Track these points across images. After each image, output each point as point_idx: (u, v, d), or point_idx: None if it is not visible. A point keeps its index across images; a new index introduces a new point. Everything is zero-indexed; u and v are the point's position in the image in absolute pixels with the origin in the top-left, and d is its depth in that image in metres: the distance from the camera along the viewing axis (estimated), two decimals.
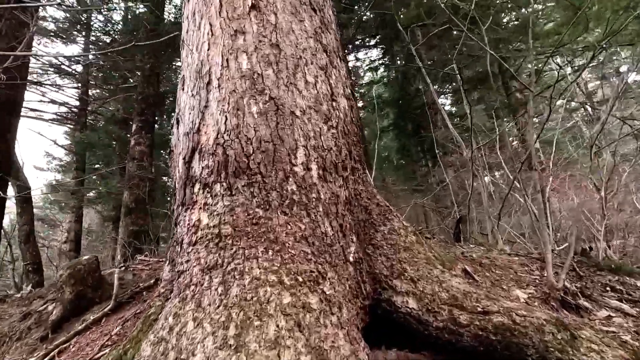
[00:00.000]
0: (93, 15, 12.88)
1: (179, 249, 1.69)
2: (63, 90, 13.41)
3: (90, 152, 12.04)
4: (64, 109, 13.95)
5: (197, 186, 1.73)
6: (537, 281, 2.31)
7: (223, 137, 1.77)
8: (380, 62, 15.51)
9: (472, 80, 12.11)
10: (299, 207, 1.65)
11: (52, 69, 13.15)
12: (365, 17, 11.42)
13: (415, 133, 14.23)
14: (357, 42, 13.40)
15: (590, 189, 5.41)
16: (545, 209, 3.03)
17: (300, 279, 1.42)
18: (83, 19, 12.76)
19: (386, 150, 18.29)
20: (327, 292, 1.47)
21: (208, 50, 2.07)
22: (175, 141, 2.07)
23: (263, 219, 1.58)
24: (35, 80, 12.39)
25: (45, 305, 3.00)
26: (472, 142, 3.58)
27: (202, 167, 1.76)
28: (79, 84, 13.91)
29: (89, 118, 14.23)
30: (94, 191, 11.87)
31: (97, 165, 13.94)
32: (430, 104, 11.38)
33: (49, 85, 13.03)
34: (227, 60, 1.98)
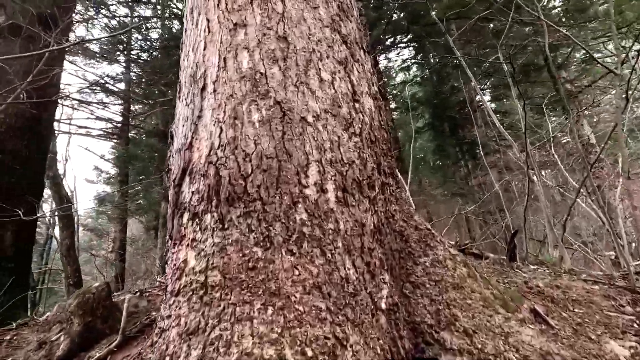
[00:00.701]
0: (133, 35, 13.37)
1: (164, 297, 1.32)
2: (108, 107, 14.02)
3: (131, 165, 12.39)
4: (109, 125, 14.59)
5: (186, 216, 1.37)
6: (636, 325, 1.71)
7: (216, 153, 1.40)
8: (413, 61, 14.79)
9: (514, 78, 11.07)
10: (310, 244, 1.22)
11: (98, 88, 13.79)
12: (395, 16, 10.83)
13: (453, 133, 13.36)
14: (387, 42, 12.82)
15: None
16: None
17: (310, 353, 1.00)
18: (124, 39, 13.26)
19: (422, 151, 17.46)
20: None
21: (204, 50, 1.71)
22: (170, 160, 1.73)
23: (262, 261, 1.17)
24: (84, 100, 13.01)
25: (58, 335, 2.80)
26: (526, 141, 2.98)
27: (192, 192, 1.39)
28: (122, 101, 14.49)
29: (132, 132, 14.76)
30: (135, 202, 12.19)
31: (141, 177, 14.40)
32: (469, 101, 10.55)
33: (96, 103, 13.66)
34: (224, 59, 1.61)
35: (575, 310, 1.86)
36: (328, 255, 1.22)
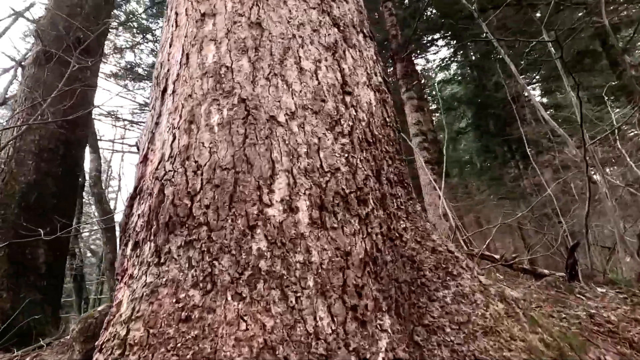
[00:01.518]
0: None
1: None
2: None
3: None
4: None
5: (130, 245, 1.10)
6: None
7: (164, 166, 1.12)
8: (452, 59, 13.98)
9: (565, 64, 9.91)
10: (267, 284, 0.89)
11: (147, 108, 14.61)
12: (428, 12, 10.23)
13: (499, 131, 12.31)
14: (424, 41, 12.18)
15: None
16: None
17: None
18: None
19: (466, 152, 16.35)
20: None
21: (170, 47, 1.46)
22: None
23: (199, 310, 0.85)
24: (135, 120, 13.84)
25: None
26: (583, 135, 2.41)
27: (139, 215, 1.12)
28: None
29: None
30: None
31: None
32: (515, 96, 9.61)
33: (144, 122, 14.47)
34: (187, 55, 1.34)
35: None
36: (291, 300, 0.88)
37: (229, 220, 0.97)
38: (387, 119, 1.51)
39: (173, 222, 0.99)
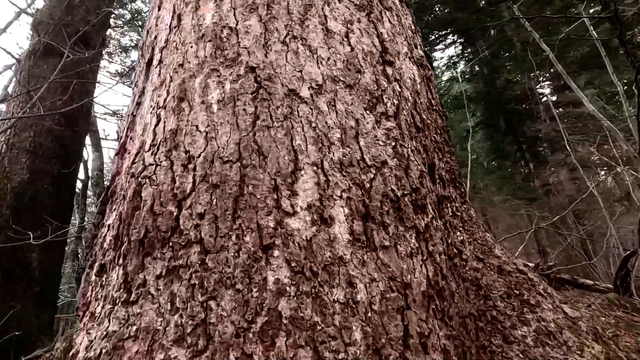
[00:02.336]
0: None
1: None
2: None
3: None
4: None
5: (95, 268, 0.77)
6: None
7: (143, 159, 0.79)
8: (460, 56, 13.58)
9: (576, 63, 9.48)
10: (292, 339, 0.56)
11: None
12: (439, 10, 9.84)
13: (510, 130, 11.89)
14: (431, 38, 11.80)
15: None
16: None
17: None
18: None
19: (474, 151, 15.92)
20: None
21: (159, 10, 1.14)
22: None
23: None
24: None
25: None
26: (639, 128, 2.05)
27: (108, 227, 0.79)
28: None
29: None
30: None
31: None
32: (529, 94, 9.21)
33: None
34: (179, 16, 1.02)
35: None
36: (322, 354, 0.55)
37: (233, 237, 0.64)
38: (433, 102, 1.17)
39: (151, 239, 0.66)
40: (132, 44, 12.17)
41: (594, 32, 2.71)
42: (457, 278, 0.90)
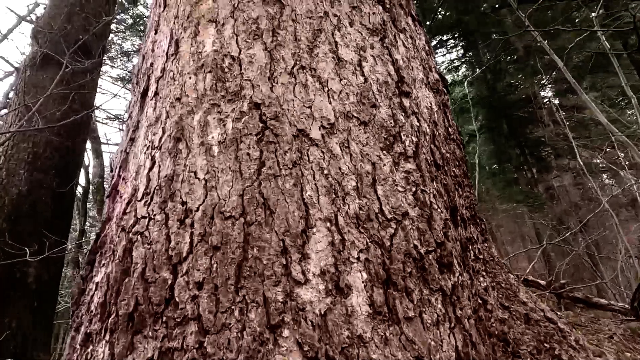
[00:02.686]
0: None
1: None
2: None
3: None
4: None
5: (81, 334, 0.68)
6: None
7: (135, 209, 0.71)
8: (462, 60, 13.53)
9: (578, 67, 9.37)
10: None
11: None
12: (441, 14, 9.76)
13: (512, 134, 11.81)
14: (433, 42, 11.73)
15: None
16: None
17: None
18: None
19: (475, 155, 15.81)
20: None
21: (155, 34, 1.05)
22: None
23: None
24: None
25: None
26: None
27: (96, 286, 0.70)
28: None
29: None
30: None
31: None
32: (532, 97, 9.11)
33: None
34: (176, 42, 0.93)
35: None
36: None
37: (236, 313, 0.55)
38: (450, 130, 1.08)
39: (141, 313, 0.57)
40: (134, 49, 12.14)
41: (606, 42, 2.61)
42: (484, 334, 0.81)
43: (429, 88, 1.05)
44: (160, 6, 1.09)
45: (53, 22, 4.55)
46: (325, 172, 0.69)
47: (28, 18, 6.13)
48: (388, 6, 1.09)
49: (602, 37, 2.56)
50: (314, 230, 0.63)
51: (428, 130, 0.93)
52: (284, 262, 0.59)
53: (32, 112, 2.99)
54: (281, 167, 0.68)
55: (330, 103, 0.80)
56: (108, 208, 0.81)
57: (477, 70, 13.63)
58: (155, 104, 0.86)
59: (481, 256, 0.95)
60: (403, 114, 0.86)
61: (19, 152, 3.61)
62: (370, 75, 0.88)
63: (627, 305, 2.36)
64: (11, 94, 5.93)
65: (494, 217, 11.94)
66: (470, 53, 13.33)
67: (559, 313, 1.22)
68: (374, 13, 1.01)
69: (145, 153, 0.79)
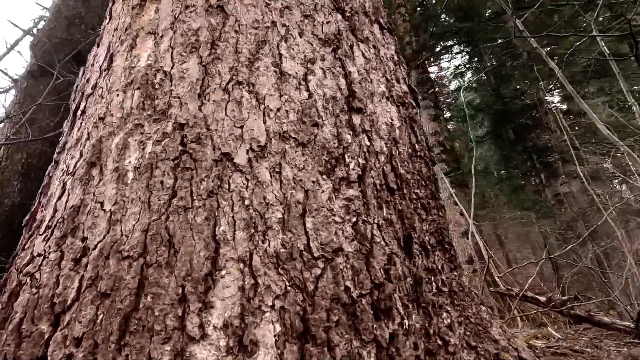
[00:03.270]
0: None
1: None
2: None
3: None
4: None
5: None
6: None
7: (34, 245, 0.63)
8: (467, 66, 13.41)
9: (583, 72, 9.16)
10: None
11: None
12: (445, 20, 9.68)
13: (519, 139, 11.59)
14: (437, 48, 11.65)
15: None
16: None
17: None
18: None
19: (482, 161, 15.59)
20: None
21: (97, 47, 0.99)
22: None
23: None
24: None
25: None
26: None
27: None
28: None
29: None
30: None
31: None
32: (538, 103, 8.93)
33: None
34: (111, 56, 0.86)
35: None
36: None
37: None
38: (417, 147, 0.99)
39: None
40: None
41: (605, 47, 2.49)
42: None
43: (391, 102, 0.96)
44: (106, 18, 1.03)
45: (52, 33, 4.59)
46: (247, 202, 0.61)
47: (32, 32, 6.23)
48: (348, 14, 1.01)
49: (601, 43, 2.44)
50: (223, 272, 0.54)
51: (385, 149, 0.83)
52: (179, 314, 0.50)
53: (21, 122, 2.98)
54: (194, 197, 0.60)
55: (264, 122, 0.71)
56: (22, 238, 0.74)
57: (483, 76, 13.49)
58: (81, 123, 0.79)
59: (445, 288, 0.85)
60: (351, 132, 0.77)
61: (13, 164, 3.61)
62: (316, 90, 0.79)
63: (631, 324, 2.21)
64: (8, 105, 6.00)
65: (502, 223, 11.67)
66: (476, 59, 13.21)
67: (539, 349, 1.10)
68: (328, 22, 0.93)
69: (59, 179, 0.71)
